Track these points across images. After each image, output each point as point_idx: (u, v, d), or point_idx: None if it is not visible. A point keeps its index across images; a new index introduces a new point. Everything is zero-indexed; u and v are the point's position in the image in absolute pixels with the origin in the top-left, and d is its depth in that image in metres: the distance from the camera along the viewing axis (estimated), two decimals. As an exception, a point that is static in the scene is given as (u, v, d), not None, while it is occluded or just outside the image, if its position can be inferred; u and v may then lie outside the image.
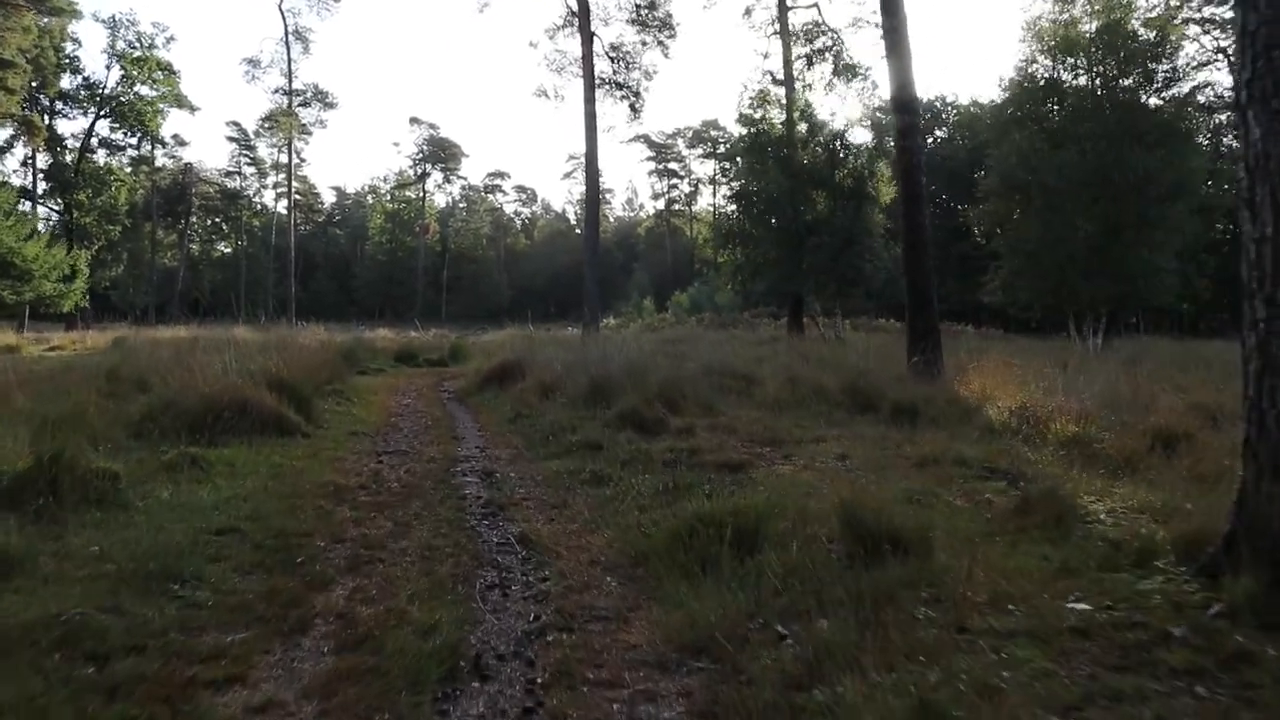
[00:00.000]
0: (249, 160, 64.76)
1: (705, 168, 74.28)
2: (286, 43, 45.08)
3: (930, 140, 54.71)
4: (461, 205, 77.76)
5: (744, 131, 29.77)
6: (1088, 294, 22.28)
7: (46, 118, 42.08)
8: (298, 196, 73.09)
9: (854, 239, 27.52)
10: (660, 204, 77.87)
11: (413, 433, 8.39)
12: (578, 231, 78.87)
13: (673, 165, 75.98)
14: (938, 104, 56.49)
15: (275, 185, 64.88)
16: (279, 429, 7.06)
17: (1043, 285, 22.92)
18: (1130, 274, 21.57)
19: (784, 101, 29.50)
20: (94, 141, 43.99)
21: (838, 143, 29.08)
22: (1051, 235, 22.14)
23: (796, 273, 27.88)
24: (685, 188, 77.06)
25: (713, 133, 70.93)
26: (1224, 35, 45.63)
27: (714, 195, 73.56)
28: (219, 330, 21.69)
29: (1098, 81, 23.48)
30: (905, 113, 12.50)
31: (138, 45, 43.01)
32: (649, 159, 75.43)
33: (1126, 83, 23.04)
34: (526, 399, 9.98)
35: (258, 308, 49.39)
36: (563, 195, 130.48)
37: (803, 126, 28.92)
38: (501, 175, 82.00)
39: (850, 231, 27.50)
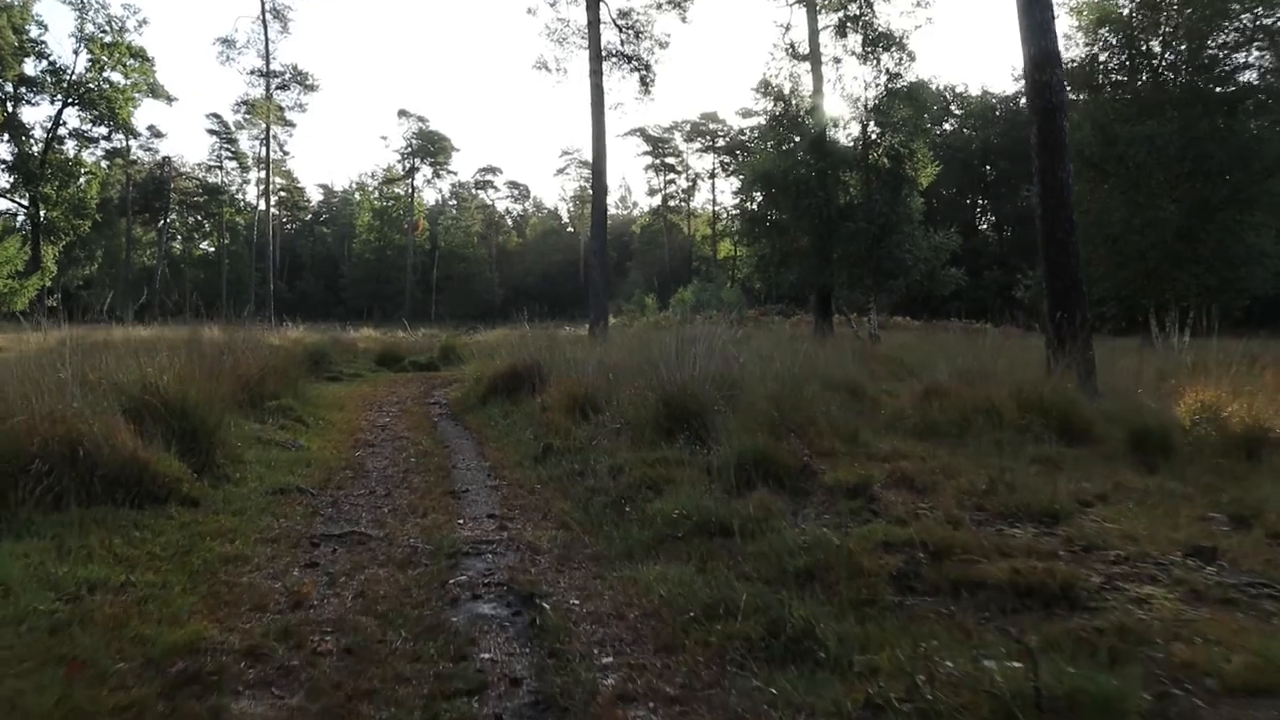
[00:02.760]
0: (230, 154, 61.27)
1: (704, 162, 71.32)
2: (264, 21, 41.72)
3: (939, 132, 52.52)
4: (452, 202, 74.38)
5: (766, 112, 26.86)
6: (1172, 283, 19.25)
7: (9, 105, 38.81)
8: (282, 193, 69.79)
9: (891, 226, 24.70)
10: (657, 200, 74.61)
11: (384, 484, 5.27)
12: (570, 229, 75.66)
13: (670, 160, 72.79)
14: (947, 94, 54.44)
15: (258, 181, 61.45)
16: (139, 492, 3.91)
17: (1124, 275, 19.78)
18: (1231, 259, 18.54)
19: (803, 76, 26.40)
20: (63, 131, 40.92)
21: (871, 119, 26.26)
22: (1138, 218, 19.06)
23: (827, 263, 25.04)
24: (683, 183, 73.93)
25: (711, 125, 67.98)
26: (1267, 12, 42.97)
27: (713, 190, 70.62)
28: (188, 330, 18.67)
29: (1182, 47, 20.50)
30: (1042, 38, 9.48)
31: (108, 29, 39.69)
32: (645, 154, 72.15)
33: (1218, 43, 20.13)
34: (554, 420, 6.91)
35: (242, 307, 46.09)
36: (556, 192, 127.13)
37: (832, 102, 26.06)
38: (493, 171, 78.34)
39: (887, 218, 24.68)
